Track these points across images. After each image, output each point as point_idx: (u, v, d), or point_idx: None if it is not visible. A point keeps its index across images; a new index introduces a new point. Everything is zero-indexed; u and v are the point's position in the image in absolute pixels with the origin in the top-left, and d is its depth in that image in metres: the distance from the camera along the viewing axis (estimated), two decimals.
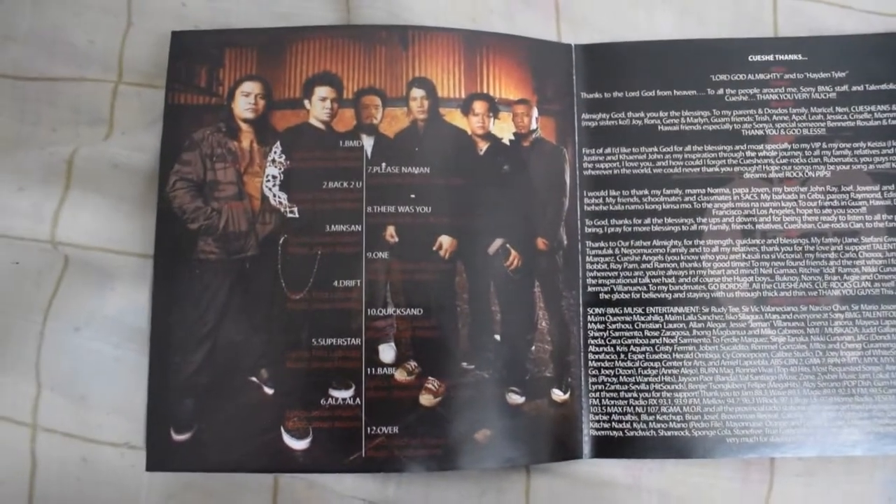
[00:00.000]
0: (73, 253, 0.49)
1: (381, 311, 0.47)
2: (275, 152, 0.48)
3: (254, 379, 0.46)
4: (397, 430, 0.46)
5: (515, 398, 0.47)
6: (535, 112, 0.51)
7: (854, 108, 0.51)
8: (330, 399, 0.46)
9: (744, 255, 0.50)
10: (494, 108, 0.50)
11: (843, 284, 0.50)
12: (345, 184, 0.48)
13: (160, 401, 0.46)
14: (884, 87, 0.52)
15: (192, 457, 0.46)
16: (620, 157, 0.51)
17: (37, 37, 0.53)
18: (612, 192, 0.51)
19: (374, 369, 0.46)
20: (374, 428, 0.46)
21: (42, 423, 0.47)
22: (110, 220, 0.49)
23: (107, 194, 0.50)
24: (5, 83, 0.52)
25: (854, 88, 0.52)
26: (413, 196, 0.48)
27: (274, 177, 0.48)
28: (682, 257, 0.50)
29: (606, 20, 0.54)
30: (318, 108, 0.49)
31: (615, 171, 0.51)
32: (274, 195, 0.48)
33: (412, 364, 0.47)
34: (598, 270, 0.50)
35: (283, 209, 0.48)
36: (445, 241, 0.48)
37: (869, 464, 0.50)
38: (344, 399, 0.46)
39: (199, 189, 0.48)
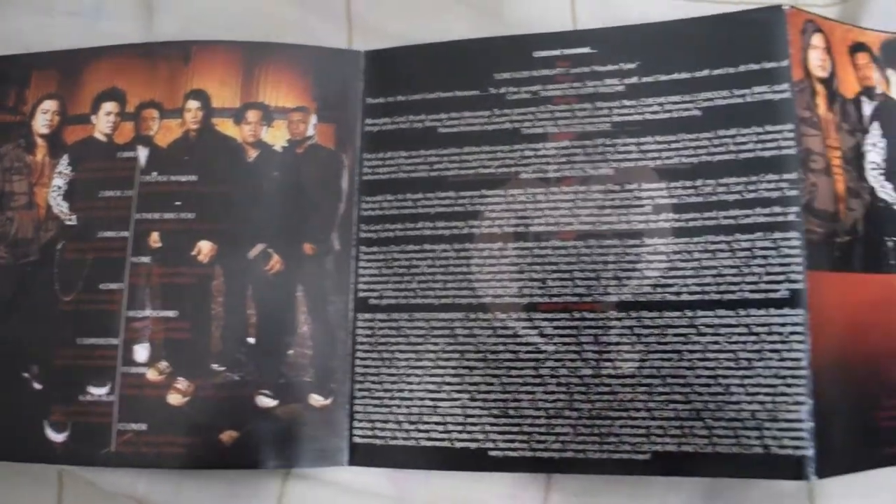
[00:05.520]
0: None
1: (139, 314, 0.49)
2: (62, 164, 0.52)
3: (26, 375, 0.49)
4: (146, 427, 0.48)
5: (266, 401, 0.48)
6: (312, 119, 0.51)
7: (643, 101, 0.48)
8: (88, 395, 0.48)
9: (514, 259, 0.48)
10: (269, 116, 0.51)
11: (621, 290, 0.46)
12: (118, 192, 0.50)
13: None
14: (676, 76, 0.48)
15: None
16: (399, 160, 0.50)
17: None
18: (389, 197, 0.50)
19: (129, 368, 0.48)
20: (125, 424, 0.48)
21: None
22: None
23: None
24: None
25: (644, 80, 0.48)
26: (178, 203, 0.50)
27: (59, 187, 0.51)
28: (451, 262, 0.49)
29: (399, 27, 0.54)
30: (103, 122, 0.52)
31: (393, 176, 0.50)
32: (57, 204, 0.51)
33: (163, 364, 0.48)
34: (370, 276, 0.50)
35: (63, 217, 0.51)
36: (205, 246, 0.49)
37: (663, 485, 0.46)
38: (100, 395, 0.48)
39: None
